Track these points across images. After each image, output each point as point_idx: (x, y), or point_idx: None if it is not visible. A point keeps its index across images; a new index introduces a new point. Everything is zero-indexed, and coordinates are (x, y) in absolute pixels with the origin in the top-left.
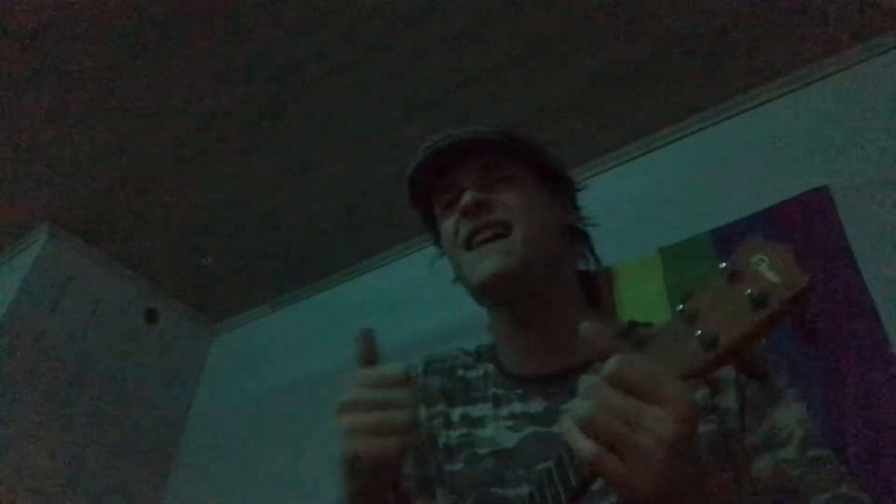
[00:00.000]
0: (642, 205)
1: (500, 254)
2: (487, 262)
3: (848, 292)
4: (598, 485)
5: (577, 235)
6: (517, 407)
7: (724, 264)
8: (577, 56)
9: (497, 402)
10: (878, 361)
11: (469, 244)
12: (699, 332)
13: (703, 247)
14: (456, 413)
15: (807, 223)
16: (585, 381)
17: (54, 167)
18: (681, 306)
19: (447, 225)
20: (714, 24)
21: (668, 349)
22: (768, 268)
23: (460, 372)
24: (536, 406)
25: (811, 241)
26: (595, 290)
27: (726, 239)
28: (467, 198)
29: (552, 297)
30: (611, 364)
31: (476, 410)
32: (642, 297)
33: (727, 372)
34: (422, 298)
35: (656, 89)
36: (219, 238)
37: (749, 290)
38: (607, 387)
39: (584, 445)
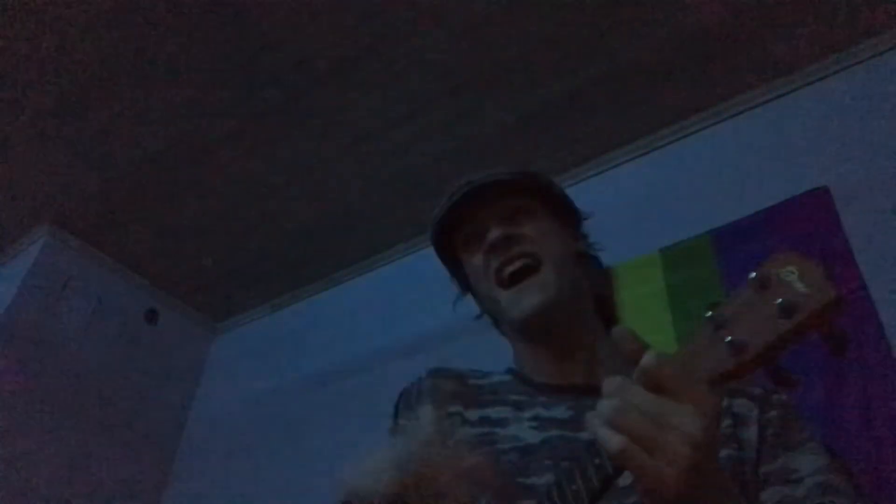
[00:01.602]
0: (642, 205)
1: (539, 289)
2: (529, 298)
3: (848, 292)
4: (624, 480)
5: (588, 261)
6: (541, 412)
7: (753, 274)
8: (576, 57)
9: (518, 406)
10: (878, 362)
11: (502, 280)
12: (728, 338)
13: (703, 247)
14: (473, 414)
15: (807, 223)
16: (612, 380)
17: (54, 167)
18: (709, 313)
19: (474, 262)
20: (714, 25)
21: (697, 354)
22: (797, 279)
23: (472, 380)
24: (562, 413)
25: (811, 241)
26: (611, 311)
27: (726, 239)
28: (495, 233)
29: (578, 320)
30: (644, 361)
31: (496, 413)
32: (642, 297)
33: (750, 410)
34: (422, 298)
35: (656, 89)
36: (219, 238)
37: (778, 300)
38: (635, 385)
39: (613, 439)
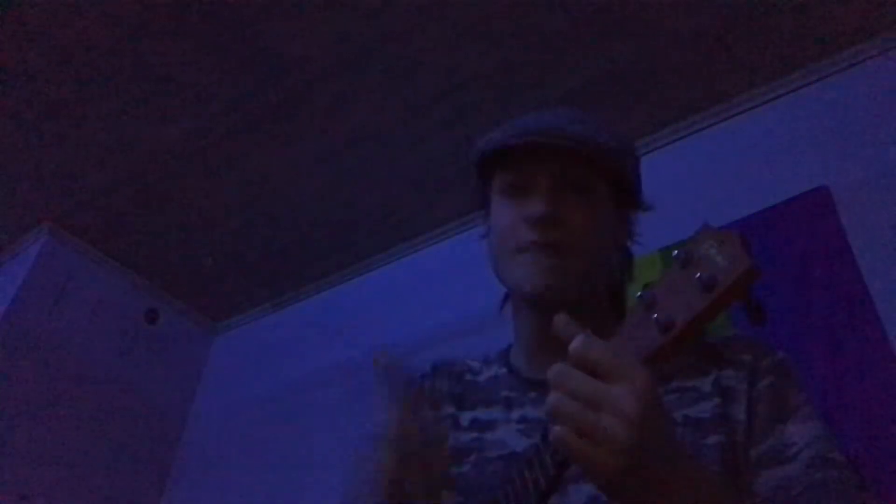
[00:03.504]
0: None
1: (554, 271)
2: (539, 275)
3: (848, 292)
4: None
5: (625, 253)
6: (530, 412)
7: (676, 252)
8: (576, 56)
9: (508, 404)
10: (878, 361)
11: (527, 250)
12: (655, 316)
13: None
14: (466, 417)
15: (807, 223)
16: (552, 368)
17: (54, 167)
18: (639, 294)
19: (504, 213)
20: (714, 24)
21: (630, 335)
22: (717, 252)
23: (469, 377)
24: None
25: (811, 241)
26: (621, 299)
27: None
28: (539, 209)
29: (585, 310)
30: (573, 345)
31: (486, 414)
32: None
33: (740, 382)
34: (422, 298)
35: (656, 89)
36: (219, 238)
37: (698, 274)
38: (572, 371)
39: (554, 431)
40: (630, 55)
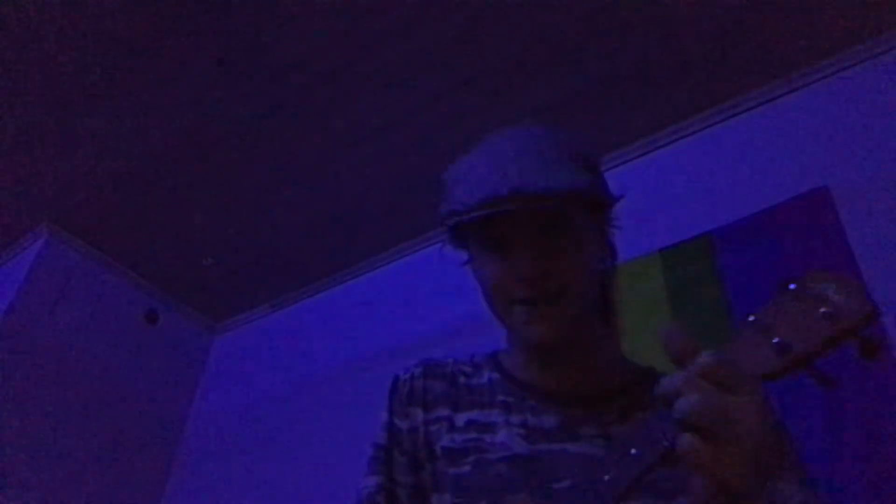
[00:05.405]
0: (642, 205)
1: (554, 319)
2: (540, 327)
3: None
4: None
5: (611, 255)
6: (529, 418)
7: (792, 285)
8: (577, 57)
9: (507, 409)
10: (877, 362)
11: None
12: (776, 339)
13: (703, 247)
14: (461, 418)
15: (807, 223)
16: (678, 377)
17: (54, 167)
18: (752, 317)
19: (490, 268)
20: (715, 25)
21: (742, 353)
22: (835, 292)
23: (462, 379)
24: (550, 421)
25: (811, 241)
26: (609, 298)
27: (726, 239)
28: (527, 269)
29: (583, 334)
30: (705, 359)
31: (484, 416)
32: (642, 298)
33: None
34: (422, 298)
35: (656, 89)
36: (219, 238)
37: (822, 309)
38: (702, 382)
39: (684, 438)
40: (630, 56)
